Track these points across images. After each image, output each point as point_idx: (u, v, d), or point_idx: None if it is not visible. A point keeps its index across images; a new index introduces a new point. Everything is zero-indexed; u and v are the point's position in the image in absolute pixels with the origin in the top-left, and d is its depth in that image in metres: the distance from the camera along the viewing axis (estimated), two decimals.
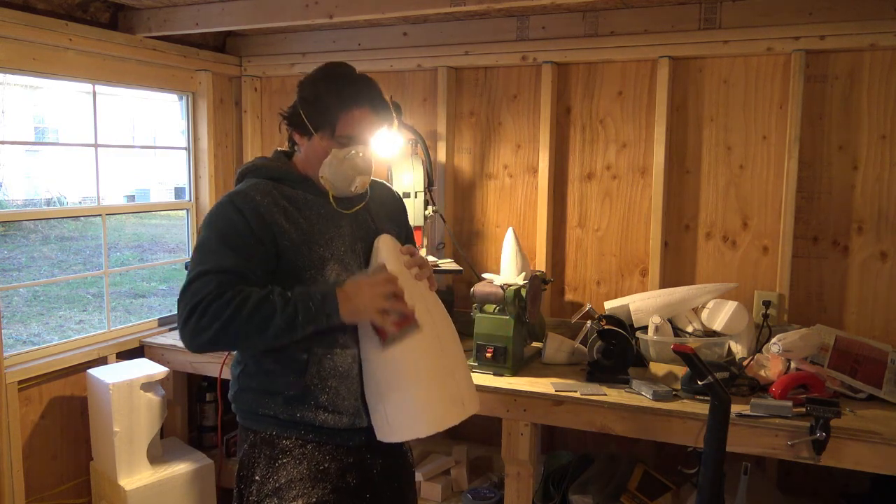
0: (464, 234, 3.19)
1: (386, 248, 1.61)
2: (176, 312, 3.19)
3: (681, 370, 2.27)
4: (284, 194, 1.58)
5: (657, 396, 2.17)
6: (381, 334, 1.53)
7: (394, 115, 1.65)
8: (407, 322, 1.52)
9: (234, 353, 1.68)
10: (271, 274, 1.53)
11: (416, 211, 2.81)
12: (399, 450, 1.73)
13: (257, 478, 1.59)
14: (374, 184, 1.78)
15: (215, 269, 1.46)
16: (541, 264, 2.97)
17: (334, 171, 1.57)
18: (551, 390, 2.26)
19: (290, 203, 1.57)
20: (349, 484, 1.60)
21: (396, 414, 1.54)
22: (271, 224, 1.52)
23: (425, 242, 2.96)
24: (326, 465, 1.58)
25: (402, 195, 1.96)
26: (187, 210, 3.39)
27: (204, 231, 1.53)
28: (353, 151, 1.56)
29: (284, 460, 1.57)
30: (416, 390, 1.53)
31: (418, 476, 2.73)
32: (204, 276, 1.46)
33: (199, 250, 1.51)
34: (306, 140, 1.60)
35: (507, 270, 2.67)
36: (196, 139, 3.34)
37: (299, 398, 1.55)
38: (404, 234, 1.82)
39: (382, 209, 1.74)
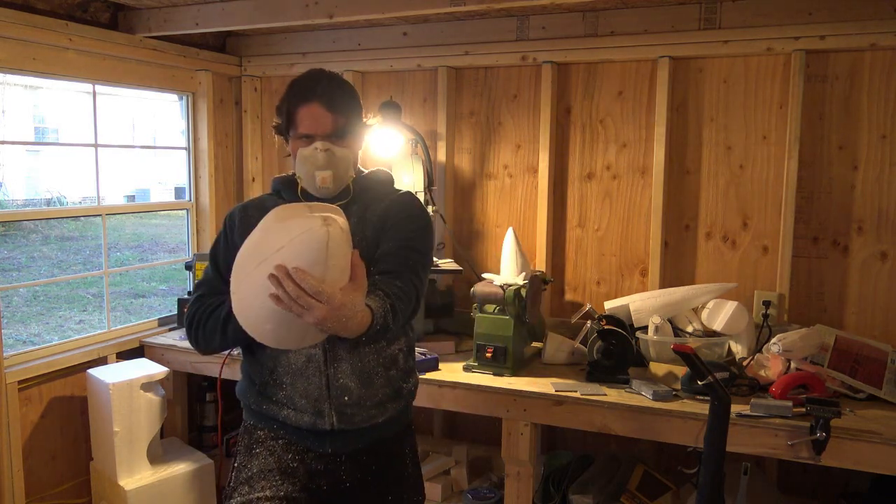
0: (464, 234, 3.19)
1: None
2: (175, 312, 3.24)
3: (681, 370, 2.27)
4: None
5: (657, 396, 2.17)
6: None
7: (361, 105, 1.62)
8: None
9: (236, 352, 1.71)
10: None
11: None
12: (388, 466, 1.66)
13: (236, 464, 1.64)
14: (396, 196, 1.65)
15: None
16: (541, 264, 2.97)
17: (300, 170, 1.59)
18: (551, 390, 2.26)
19: None
20: (321, 488, 1.61)
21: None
22: (238, 240, 1.47)
23: None
24: (295, 466, 1.60)
25: None
26: (187, 210, 3.39)
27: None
28: (312, 148, 1.55)
29: (258, 450, 1.61)
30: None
31: None
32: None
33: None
34: (289, 146, 1.63)
35: (507, 270, 2.67)
36: (196, 139, 3.34)
37: (265, 391, 1.60)
38: (389, 245, 1.56)
39: (378, 219, 1.60)
